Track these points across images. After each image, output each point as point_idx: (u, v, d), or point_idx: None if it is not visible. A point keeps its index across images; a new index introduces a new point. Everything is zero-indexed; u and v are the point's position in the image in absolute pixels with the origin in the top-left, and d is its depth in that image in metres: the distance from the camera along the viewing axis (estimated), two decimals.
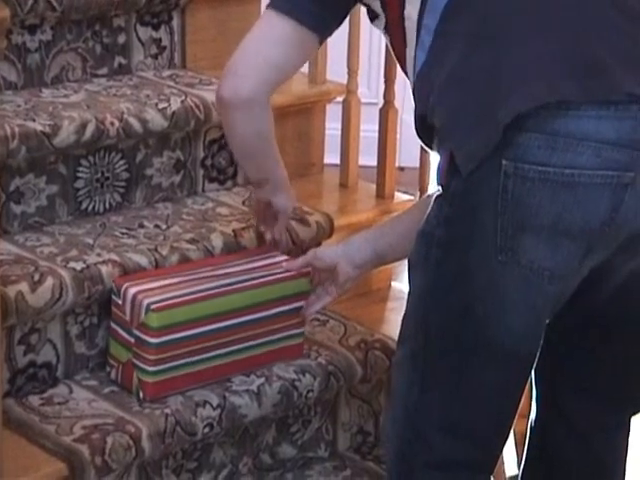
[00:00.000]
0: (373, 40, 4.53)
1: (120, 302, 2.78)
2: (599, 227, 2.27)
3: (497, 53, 2.30)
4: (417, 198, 3.57)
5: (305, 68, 3.63)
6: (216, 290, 2.85)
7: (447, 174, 2.34)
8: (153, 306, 2.71)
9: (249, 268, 2.96)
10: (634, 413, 2.82)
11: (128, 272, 2.82)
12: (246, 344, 2.91)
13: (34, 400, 2.66)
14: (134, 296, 2.75)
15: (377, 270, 3.39)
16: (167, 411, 2.61)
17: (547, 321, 2.49)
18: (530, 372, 2.60)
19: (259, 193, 3.04)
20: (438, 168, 2.41)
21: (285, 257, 3.01)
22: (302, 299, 2.95)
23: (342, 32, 3.38)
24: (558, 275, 2.33)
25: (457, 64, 2.31)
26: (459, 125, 2.32)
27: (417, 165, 3.66)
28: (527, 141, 2.22)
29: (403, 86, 3.40)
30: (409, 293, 2.50)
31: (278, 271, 2.94)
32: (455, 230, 2.34)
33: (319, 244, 3.21)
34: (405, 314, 2.54)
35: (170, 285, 2.80)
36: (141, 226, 3.06)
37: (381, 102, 3.60)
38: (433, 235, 2.38)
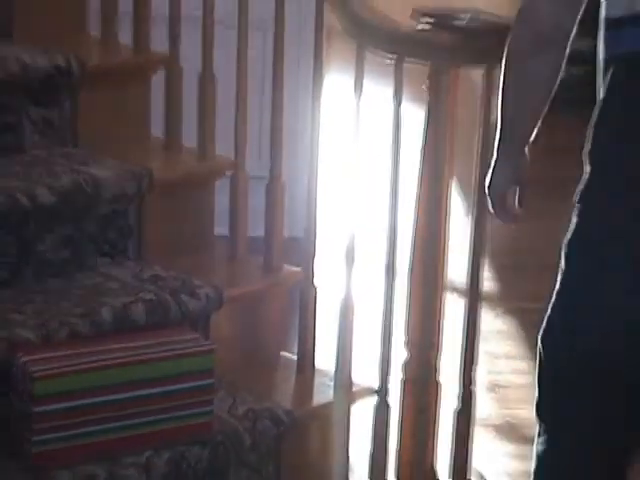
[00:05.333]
0: (264, 115, 4.60)
1: (9, 374, 2.72)
2: None
3: None
4: (306, 269, 3.56)
5: (194, 143, 3.74)
6: (105, 362, 2.77)
7: None
8: (36, 374, 2.66)
9: (143, 344, 2.91)
10: None
11: (17, 346, 2.75)
12: (143, 419, 2.85)
13: None
14: (21, 366, 2.70)
15: (266, 339, 3.57)
16: None
17: None
18: None
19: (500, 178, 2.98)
20: None
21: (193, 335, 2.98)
22: (208, 377, 2.91)
23: (230, 107, 3.55)
24: None
25: None
26: None
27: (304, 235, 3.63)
28: None
29: (290, 159, 3.49)
30: None
31: (178, 347, 2.89)
32: None
33: (208, 316, 3.19)
34: None
35: (58, 356, 2.75)
36: (30, 301, 2.99)
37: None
38: None
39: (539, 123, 2.91)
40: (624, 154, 2.61)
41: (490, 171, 2.98)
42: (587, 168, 2.62)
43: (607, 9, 2.59)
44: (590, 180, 2.62)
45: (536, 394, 2.74)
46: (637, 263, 2.50)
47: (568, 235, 2.66)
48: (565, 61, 2.78)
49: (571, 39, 2.76)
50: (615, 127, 2.61)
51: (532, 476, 2.81)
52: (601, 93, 2.64)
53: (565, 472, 2.74)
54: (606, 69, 2.62)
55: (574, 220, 2.64)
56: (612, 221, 2.61)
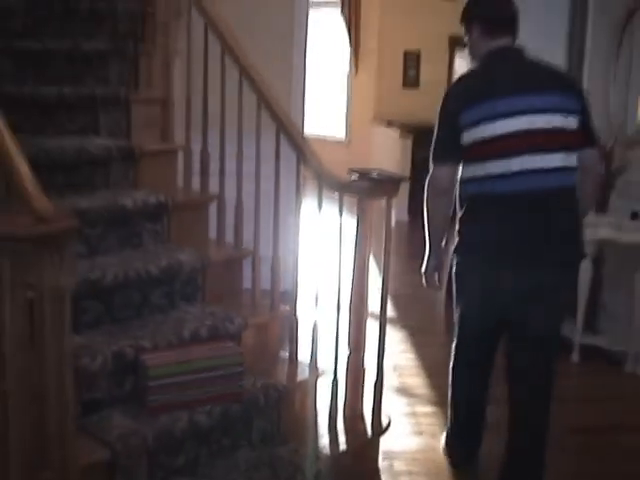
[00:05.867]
0: (269, 222, 4.51)
1: (136, 364, 2.80)
2: None
3: None
4: (292, 307, 3.55)
5: (232, 240, 3.70)
6: (186, 358, 2.85)
7: None
8: (149, 363, 2.75)
9: (207, 348, 2.94)
10: None
11: (139, 350, 2.81)
12: (207, 388, 2.87)
13: None
14: (142, 361, 2.78)
15: (271, 345, 3.51)
16: None
17: None
18: None
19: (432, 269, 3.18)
20: None
21: (232, 344, 2.99)
22: (240, 366, 2.92)
23: (251, 220, 3.58)
24: None
25: None
26: None
27: (291, 289, 3.58)
28: None
29: (284, 245, 3.63)
30: None
31: (224, 351, 2.94)
32: None
33: (240, 334, 3.21)
34: None
35: (161, 355, 2.84)
36: (146, 326, 3.00)
37: None
38: None
39: (445, 233, 3.14)
40: (472, 231, 3.02)
41: (425, 263, 3.14)
42: (456, 238, 3.05)
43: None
44: (459, 244, 3.03)
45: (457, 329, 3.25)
46: (482, 282, 3.00)
47: (454, 270, 3.11)
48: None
49: (456, 187, 3.01)
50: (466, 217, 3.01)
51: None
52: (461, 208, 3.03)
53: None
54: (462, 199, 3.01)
55: (455, 261, 3.08)
56: (469, 265, 3.04)
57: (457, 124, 2.89)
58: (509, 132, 2.85)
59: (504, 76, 2.96)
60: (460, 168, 2.98)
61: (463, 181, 2.99)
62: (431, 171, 2.99)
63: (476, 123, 2.85)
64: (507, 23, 3.08)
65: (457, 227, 3.06)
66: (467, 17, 3.14)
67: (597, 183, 3.22)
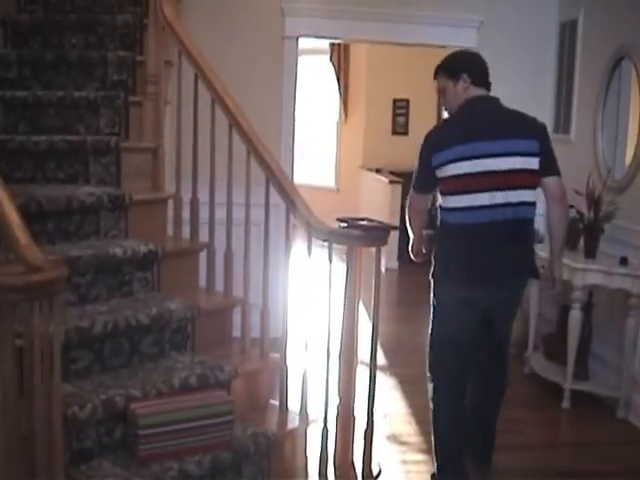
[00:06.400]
0: (259, 271, 4.37)
1: (126, 413, 2.79)
2: None
3: None
4: (282, 355, 3.56)
5: (222, 288, 3.71)
6: (175, 406, 2.84)
7: None
8: (139, 412, 2.75)
9: (196, 397, 2.93)
10: None
11: (129, 399, 2.79)
12: (196, 437, 2.87)
13: None
14: (132, 409, 2.77)
15: (261, 394, 3.51)
16: None
17: None
18: None
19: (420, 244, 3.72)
20: None
21: (222, 393, 3.00)
22: (229, 415, 2.92)
23: (241, 270, 3.63)
24: None
25: None
26: None
27: (281, 336, 3.58)
28: None
29: (273, 293, 3.62)
30: None
31: (214, 399, 2.92)
32: None
33: (230, 382, 3.17)
34: None
35: (151, 404, 2.82)
36: (136, 375, 3.00)
37: None
38: None
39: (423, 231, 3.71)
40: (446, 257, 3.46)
41: (411, 244, 3.75)
42: (433, 267, 3.49)
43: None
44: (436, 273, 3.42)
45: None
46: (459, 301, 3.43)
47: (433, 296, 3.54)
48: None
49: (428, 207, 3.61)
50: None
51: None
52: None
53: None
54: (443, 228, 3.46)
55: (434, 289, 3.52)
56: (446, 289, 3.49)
57: (430, 164, 3.41)
58: (477, 171, 3.33)
59: (475, 124, 3.43)
60: (439, 196, 3.48)
61: (441, 209, 3.47)
62: (411, 195, 3.59)
63: (446, 163, 3.35)
64: (486, 75, 3.56)
65: (434, 251, 3.55)
66: (457, 69, 3.54)
67: (564, 208, 3.58)
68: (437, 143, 3.42)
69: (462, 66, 3.55)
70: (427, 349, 3.62)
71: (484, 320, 3.51)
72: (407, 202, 3.66)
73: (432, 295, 3.54)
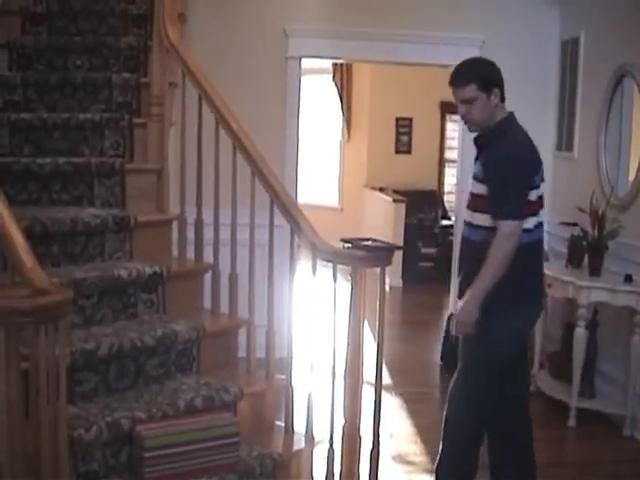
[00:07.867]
0: (264, 292, 3.93)
1: (132, 435, 2.78)
2: None
3: None
4: (288, 376, 3.53)
5: (227, 310, 3.71)
6: (181, 429, 2.82)
7: None
8: (145, 434, 2.74)
9: (202, 420, 2.92)
10: None
11: (135, 421, 2.79)
12: (203, 459, 2.87)
13: None
14: (137, 431, 2.77)
15: (267, 415, 3.50)
16: None
17: None
18: None
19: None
20: None
21: (228, 414, 3.01)
22: (235, 437, 2.91)
23: (246, 290, 3.60)
24: None
25: None
26: None
27: (286, 356, 3.55)
28: None
29: (278, 314, 3.61)
30: None
31: (220, 421, 2.91)
32: None
33: (236, 403, 3.18)
34: None
35: (156, 426, 2.82)
36: (142, 397, 2.99)
37: None
38: None
39: None
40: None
41: (470, 310, 3.29)
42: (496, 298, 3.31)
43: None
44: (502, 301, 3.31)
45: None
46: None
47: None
48: None
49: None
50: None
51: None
52: None
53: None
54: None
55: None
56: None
57: (532, 185, 3.29)
58: (539, 195, 3.37)
59: (533, 146, 3.38)
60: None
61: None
62: (513, 224, 3.20)
63: (536, 186, 3.38)
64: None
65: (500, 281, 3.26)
66: (492, 82, 3.30)
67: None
68: (532, 163, 3.32)
69: (496, 79, 3.34)
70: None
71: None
72: (503, 236, 3.20)
73: (480, 333, 3.34)
